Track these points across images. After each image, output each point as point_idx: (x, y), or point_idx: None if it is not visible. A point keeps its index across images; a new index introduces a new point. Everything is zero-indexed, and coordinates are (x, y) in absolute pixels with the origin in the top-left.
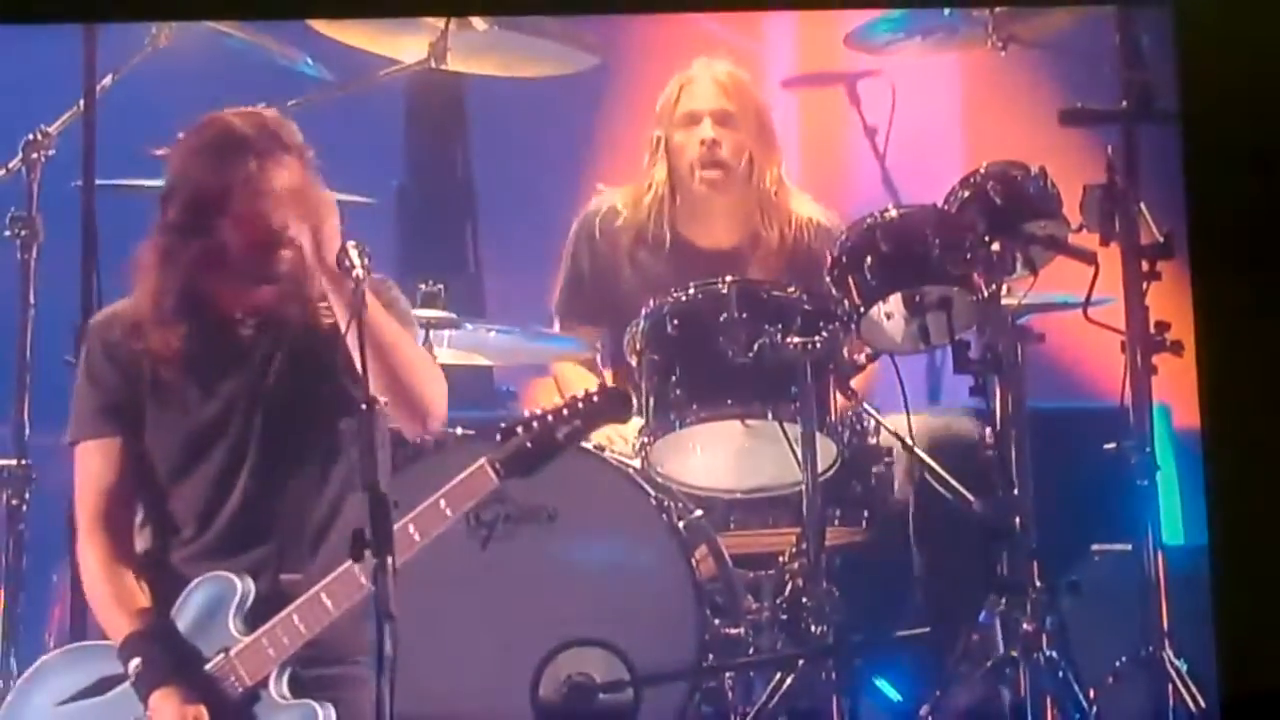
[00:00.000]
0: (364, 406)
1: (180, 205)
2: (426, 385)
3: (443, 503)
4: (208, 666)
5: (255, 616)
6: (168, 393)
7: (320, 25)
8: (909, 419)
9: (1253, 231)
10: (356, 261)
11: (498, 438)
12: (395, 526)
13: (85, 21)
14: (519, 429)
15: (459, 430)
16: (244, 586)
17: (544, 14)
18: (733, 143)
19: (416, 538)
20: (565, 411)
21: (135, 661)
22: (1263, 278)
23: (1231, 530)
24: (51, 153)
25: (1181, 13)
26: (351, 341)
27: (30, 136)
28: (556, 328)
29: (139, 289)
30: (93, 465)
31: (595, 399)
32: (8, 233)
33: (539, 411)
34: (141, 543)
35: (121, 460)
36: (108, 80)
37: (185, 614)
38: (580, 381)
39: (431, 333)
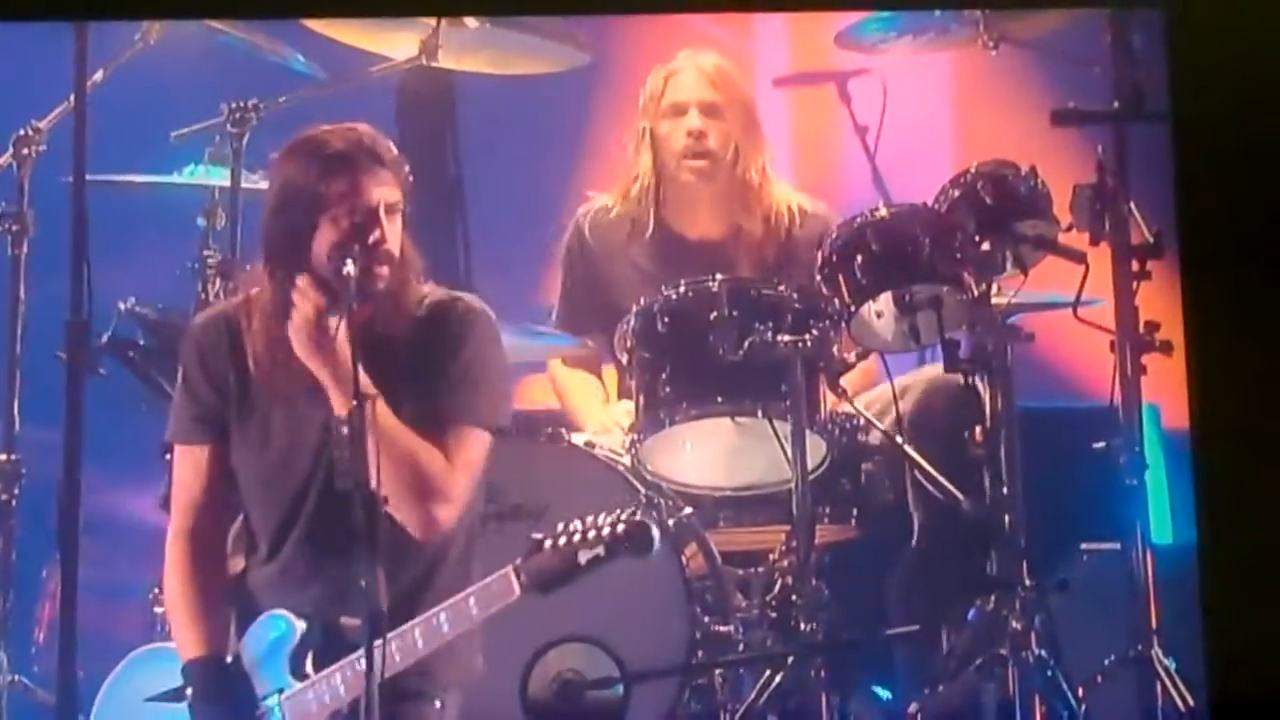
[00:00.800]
0: (354, 403)
1: (279, 220)
2: (434, 480)
3: (472, 600)
4: (260, 709)
5: (309, 661)
6: (250, 407)
7: (311, 22)
8: (898, 416)
9: (1242, 231)
10: (349, 261)
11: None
12: (425, 615)
13: (76, 19)
14: (546, 543)
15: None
16: (302, 630)
17: (535, 14)
18: (719, 133)
19: (446, 629)
20: (591, 535)
21: (189, 691)
22: (1252, 277)
23: (1220, 529)
24: (42, 148)
25: (1174, 14)
26: (343, 348)
27: (20, 132)
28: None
29: (242, 293)
30: (184, 471)
31: (620, 530)
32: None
33: (567, 529)
34: (234, 558)
35: (210, 470)
36: (99, 76)
37: (250, 647)
38: (576, 380)
39: None
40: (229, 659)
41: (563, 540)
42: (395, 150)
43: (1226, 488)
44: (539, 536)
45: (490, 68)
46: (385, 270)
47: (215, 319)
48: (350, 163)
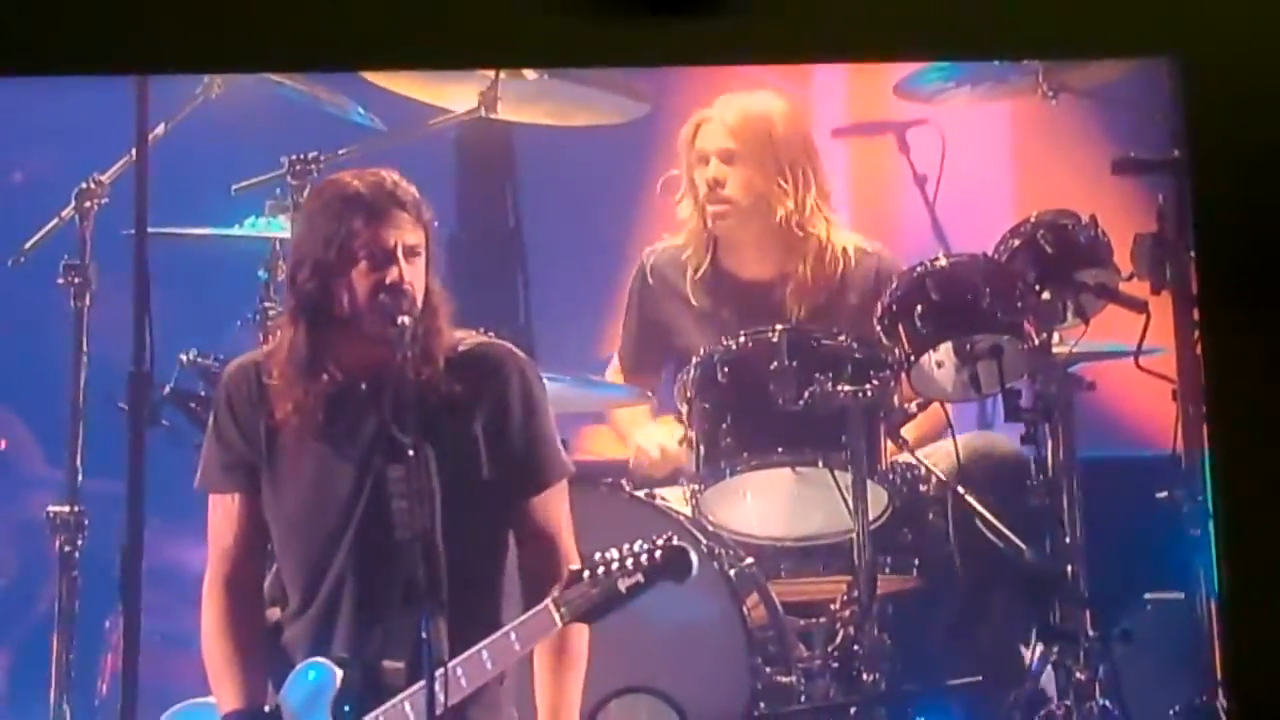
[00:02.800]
0: (411, 452)
1: (301, 267)
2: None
3: (513, 635)
4: None
5: (349, 709)
6: (281, 456)
7: (371, 75)
8: (959, 463)
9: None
10: (403, 309)
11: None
12: (468, 652)
13: (139, 73)
14: (584, 574)
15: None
16: (340, 677)
17: (593, 66)
18: (739, 181)
19: (489, 665)
20: (630, 564)
21: None
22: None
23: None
24: (104, 201)
25: (1183, 61)
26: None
27: (83, 185)
28: (621, 380)
29: (273, 344)
30: (217, 520)
31: (659, 556)
32: (61, 280)
33: (605, 558)
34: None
35: (242, 518)
36: (160, 129)
37: (290, 698)
38: (638, 428)
39: None
40: (267, 709)
41: (601, 570)
42: (417, 194)
43: (1249, 537)
44: (576, 568)
45: (549, 119)
46: (406, 314)
47: (245, 367)
48: (368, 205)
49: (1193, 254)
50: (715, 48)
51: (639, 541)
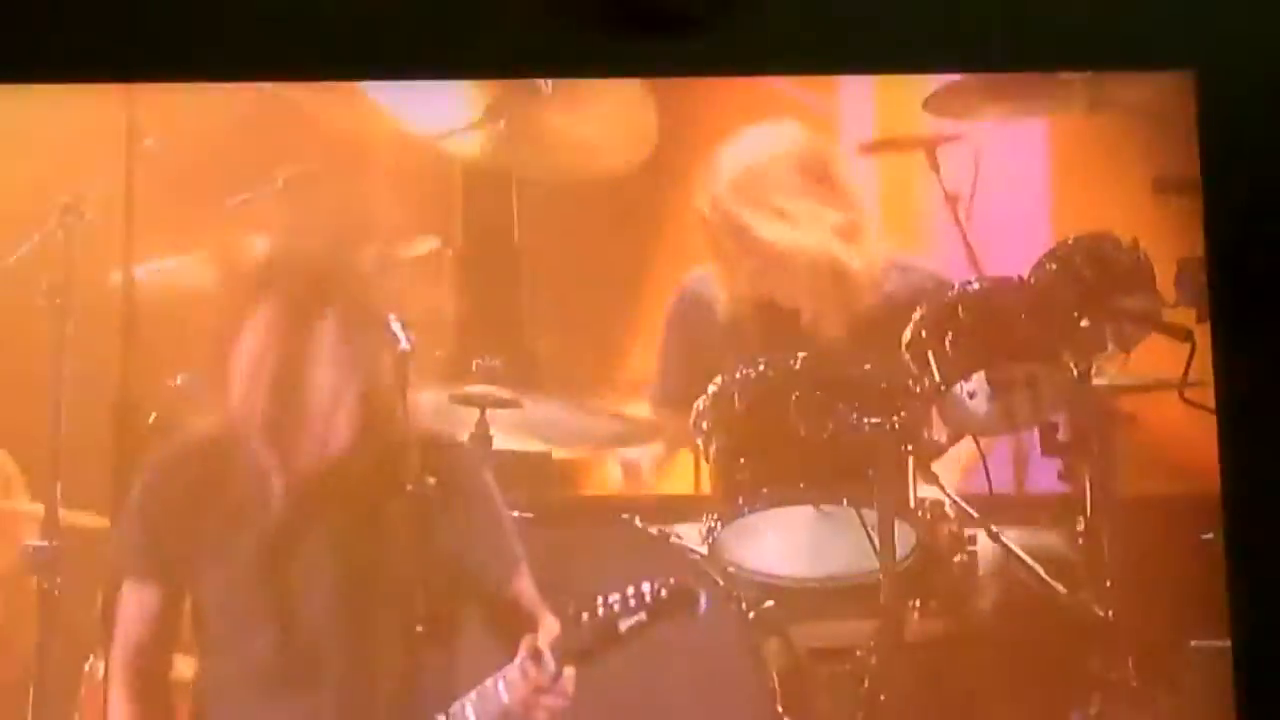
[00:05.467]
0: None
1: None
2: None
3: (500, 683)
4: None
5: None
6: (215, 547)
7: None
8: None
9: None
10: (400, 335)
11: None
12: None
13: (127, 82)
14: (584, 615)
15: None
16: None
17: (609, 76)
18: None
19: (472, 718)
20: (632, 603)
21: None
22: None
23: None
24: (88, 216)
25: (1204, 76)
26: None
27: (67, 199)
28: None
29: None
30: (129, 608)
31: (664, 595)
32: (42, 301)
33: (606, 600)
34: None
35: (160, 611)
36: (149, 142)
37: None
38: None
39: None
40: None
41: (600, 611)
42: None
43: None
44: (573, 612)
45: (561, 131)
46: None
47: (176, 453)
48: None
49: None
50: (732, 59)
51: (643, 581)
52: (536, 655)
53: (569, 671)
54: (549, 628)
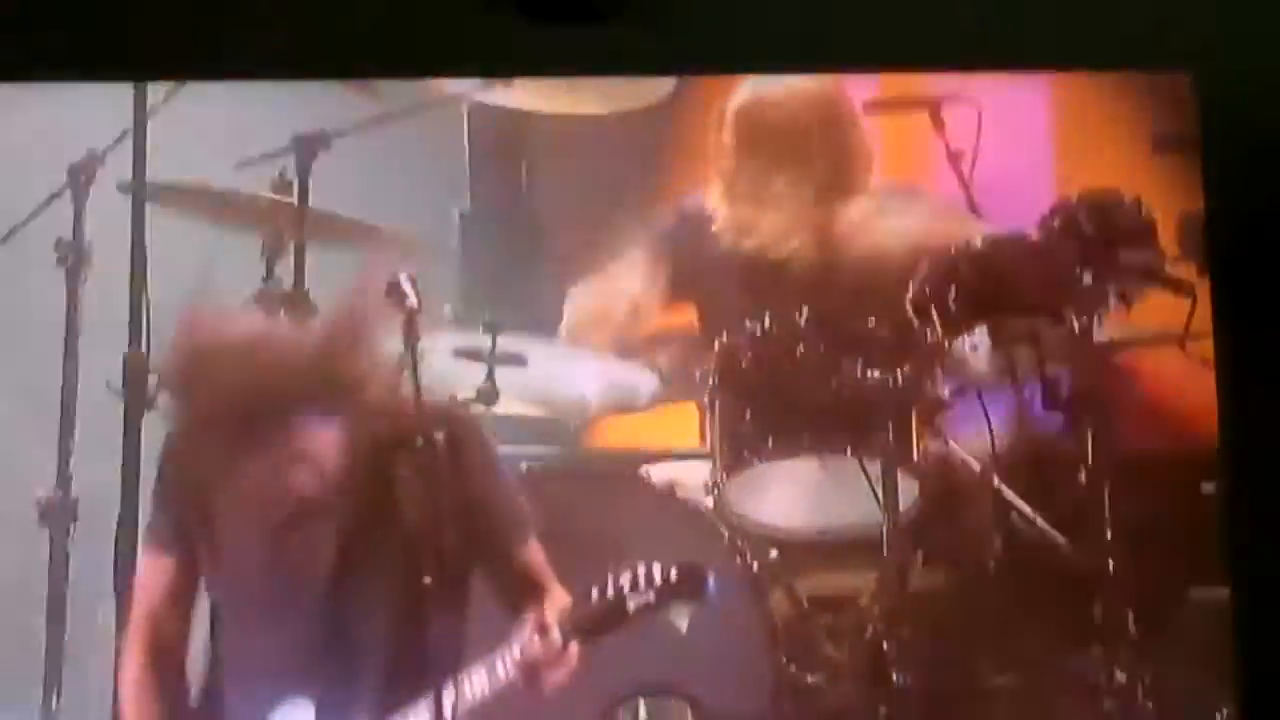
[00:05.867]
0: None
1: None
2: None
3: (506, 656)
4: None
5: None
6: (231, 520)
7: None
8: (994, 450)
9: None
10: (410, 293)
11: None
12: (459, 674)
13: (135, 80)
14: (593, 593)
15: None
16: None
17: (607, 75)
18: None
19: (480, 688)
20: (641, 584)
21: None
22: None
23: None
24: (100, 175)
25: (1201, 74)
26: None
27: (78, 160)
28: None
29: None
30: (145, 577)
31: (673, 578)
32: (55, 259)
33: (618, 579)
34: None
35: (175, 581)
36: (159, 98)
37: None
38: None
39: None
40: None
41: (610, 591)
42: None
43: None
44: (583, 589)
45: (567, 94)
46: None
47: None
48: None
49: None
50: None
51: (655, 563)
52: (544, 629)
53: (574, 647)
54: (556, 599)
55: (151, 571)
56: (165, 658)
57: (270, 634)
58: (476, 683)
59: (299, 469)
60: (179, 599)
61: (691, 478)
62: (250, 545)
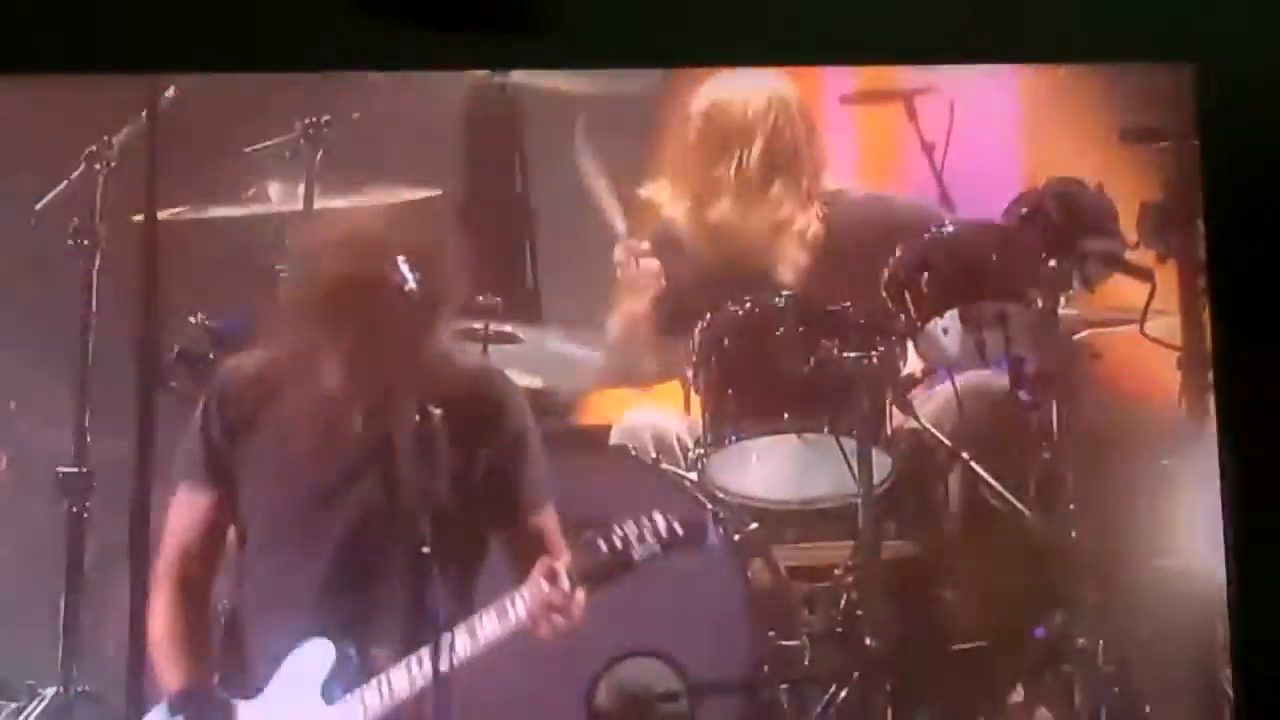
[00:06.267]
0: (417, 417)
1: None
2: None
3: (516, 600)
4: None
5: (336, 691)
6: (268, 462)
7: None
8: (960, 411)
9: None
10: (407, 275)
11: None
12: (470, 618)
13: (150, 73)
14: (600, 540)
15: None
16: (332, 657)
17: (596, 69)
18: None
19: (490, 631)
20: (646, 535)
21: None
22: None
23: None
24: (114, 162)
25: (1205, 67)
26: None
27: (92, 147)
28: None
29: (273, 348)
30: (181, 514)
31: (678, 529)
32: (70, 242)
33: (622, 528)
34: (226, 595)
35: (210, 517)
36: (171, 91)
37: (289, 673)
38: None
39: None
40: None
41: (616, 539)
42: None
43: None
44: (590, 535)
45: (562, 81)
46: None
47: (243, 367)
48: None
49: (1202, 225)
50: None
51: (656, 513)
52: (552, 575)
53: (579, 595)
54: (565, 557)
55: (189, 508)
56: (194, 596)
57: (297, 571)
58: (488, 625)
59: (346, 407)
60: (212, 534)
61: (666, 425)
62: (290, 475)
